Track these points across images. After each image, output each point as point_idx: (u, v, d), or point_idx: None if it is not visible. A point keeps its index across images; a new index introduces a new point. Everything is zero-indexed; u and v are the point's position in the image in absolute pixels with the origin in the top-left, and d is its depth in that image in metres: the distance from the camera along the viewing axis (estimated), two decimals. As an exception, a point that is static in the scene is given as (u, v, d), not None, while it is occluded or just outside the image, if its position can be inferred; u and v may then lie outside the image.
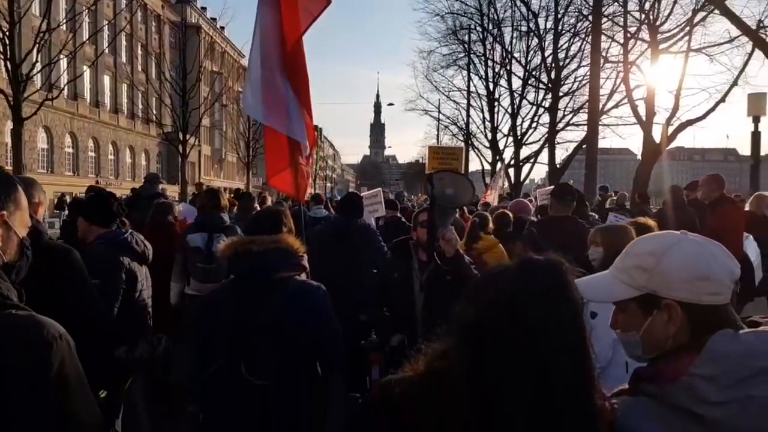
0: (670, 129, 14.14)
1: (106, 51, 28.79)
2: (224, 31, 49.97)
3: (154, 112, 33.25)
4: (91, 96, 35.02)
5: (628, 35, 16.29)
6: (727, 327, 1.06)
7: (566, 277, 1.02)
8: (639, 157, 15.36)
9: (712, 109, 14.18)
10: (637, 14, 16.24)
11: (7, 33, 12.69)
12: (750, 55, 13.50)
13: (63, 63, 18.53)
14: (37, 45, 13.40)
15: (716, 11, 12.61)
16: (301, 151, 3.89)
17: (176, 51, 33.13)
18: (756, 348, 1.01)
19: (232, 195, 9.21)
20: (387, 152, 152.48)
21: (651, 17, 15.24)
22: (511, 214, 5.25)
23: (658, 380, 1.07)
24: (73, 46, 16.91)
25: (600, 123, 14.89)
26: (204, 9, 49.22)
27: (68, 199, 19.19)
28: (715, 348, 1.02)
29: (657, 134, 14.34)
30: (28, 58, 13.27)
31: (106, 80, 36.72)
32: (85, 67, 25.26)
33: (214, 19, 46.71)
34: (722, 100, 14.11)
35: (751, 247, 5.74)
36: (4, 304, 1.16)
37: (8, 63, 12.85)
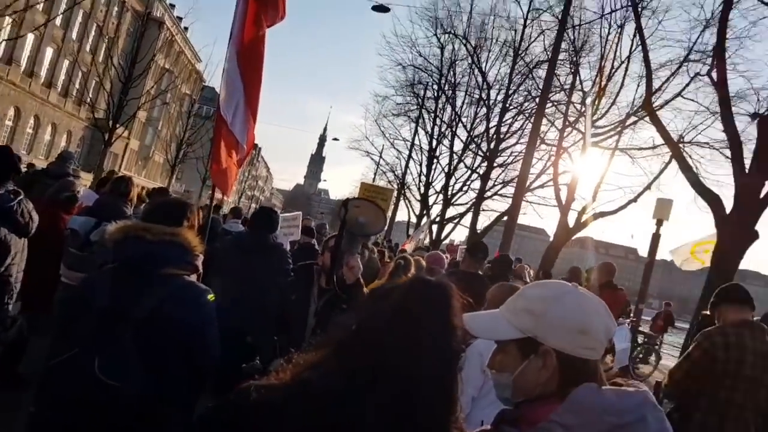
0: (584, 217, 15.23)
1: (57, 23, 26.97)
2: (187, 32, 48.65)
3: (90, 95, 31.27)
4: (27, 64, 32.47)
5: (567, 123, 17.63)
6: (594, 382, 1.08)
7: (451, 300, 1.00)
8: (551, 238, 16.33)
9: (624, 207, 15.54)
10: (579, 106, 17.67)
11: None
12: (667, 164, 14.88)
13: (6, 20, 17.11)
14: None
15: (646, 119, 13.94)
16: (237, 150, 3.76)
17: (131, 39, 31.67)
18: (614, 405, 1.03)
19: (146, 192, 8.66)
20: (321, 185, 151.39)
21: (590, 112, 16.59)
22: (425, 263, 5.31)
23: (519, 424, 1.07)
24: (23, 8, 15.61)
25: (524, 199, 15.76)
26: (172, 6, 47.74)
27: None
28: (578, 399, 1.04)
29: (572, 220, 15.38)
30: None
31: (49, 52, 34.29)
32: (30, 34, 23.43)
33: (180, 18, 45.46)
34: (634, 200, 15.51)
35: (621, 333, 6.68)
36: None
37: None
